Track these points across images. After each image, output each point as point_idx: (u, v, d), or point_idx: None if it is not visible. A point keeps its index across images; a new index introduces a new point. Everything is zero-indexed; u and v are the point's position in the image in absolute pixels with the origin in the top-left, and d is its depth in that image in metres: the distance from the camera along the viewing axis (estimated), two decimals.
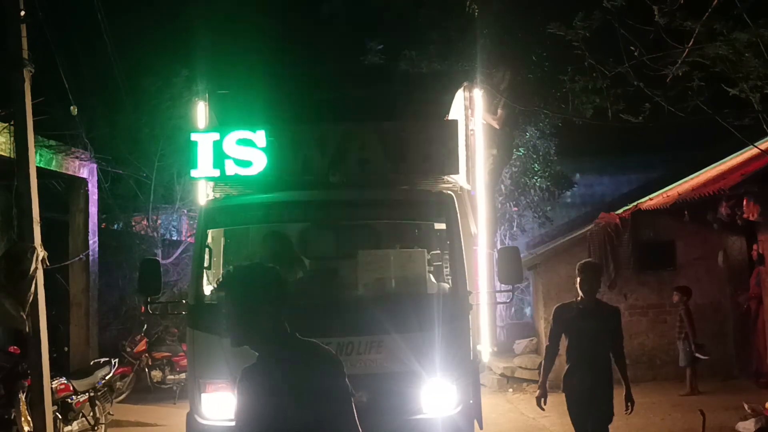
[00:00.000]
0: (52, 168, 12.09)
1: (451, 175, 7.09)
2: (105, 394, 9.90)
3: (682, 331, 12.28)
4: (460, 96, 7.75)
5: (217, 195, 7.63)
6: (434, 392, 6.25)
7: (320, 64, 13.97)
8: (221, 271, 7.60)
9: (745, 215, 9.79)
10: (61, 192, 13.21)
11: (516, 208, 20.91)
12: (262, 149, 6.81)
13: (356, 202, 7.01)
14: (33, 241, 7.72)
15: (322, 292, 6.91)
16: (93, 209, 13.50)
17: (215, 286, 7.12)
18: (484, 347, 8.70)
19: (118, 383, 11.93)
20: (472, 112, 8.05)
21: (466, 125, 7.69)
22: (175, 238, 17.93)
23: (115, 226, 17.07)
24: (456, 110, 7.65)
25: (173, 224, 18.21)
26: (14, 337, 9.36)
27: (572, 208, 25.12)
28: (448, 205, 6.92)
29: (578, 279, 6.64)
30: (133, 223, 17.55)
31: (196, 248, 7.06)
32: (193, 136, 6.99)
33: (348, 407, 3.13)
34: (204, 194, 7.83)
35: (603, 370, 6.62)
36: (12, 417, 7.95)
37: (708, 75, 7.72)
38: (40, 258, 7.71)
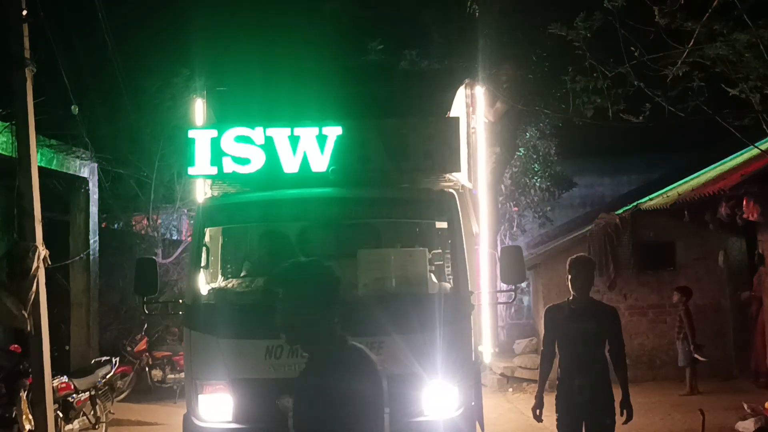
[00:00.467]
0: (52, 167, 12.11)
1: (453, 174, 7.01)
2: (106, 393, 9.93)
3: (682, 332, 12.31)
4: (461, 93, 7.68)
5: (215, 193, 7.55)
6: (435, 394, 6.16)
7: (320, 62, 13.89)
8: (219, 271, 7.58)
9: (745, 215, 9.80)
10: (62, 191, 13.22)
11: (516, 208, 20.95)
12: (261, 146, 6.72)
13: (356, 200, 6.90)
14: (35, 240, 7.73)
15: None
16: (93, 209, 13.52)
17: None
18: (486, 348, 8.59)
19: (119, 382, 11.93)
20: (473, 109, 7.96)
21: (468, 123, 7.61)
22: (175, 237, 17.92)
23: (116, 226, 17.08)
24: (457, 107, 7.58)
25: (173, 224, 18.20)
26: (15, 336, 9.38)
27: (572, 208, 25.15)
28: (450, 203, 6.83)
29: (569, 276, 6.13)
30: (134, 223, 17.55)
31: (193, 247, 6.99)
32: (191, 133, 6.90)
33: (381, 420, 3.01)
34: (202, 192, 7.74)
35: (601, 377, 6.00)
36: (13, 415, 7.97)
37: (708, 75, 7.72)
38: (41, 257, 7.72)
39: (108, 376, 9.98)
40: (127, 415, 11.42)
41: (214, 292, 6.94)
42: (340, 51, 16.09)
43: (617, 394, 6.07)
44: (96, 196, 13.63)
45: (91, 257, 13.28)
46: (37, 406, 7.92)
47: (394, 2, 17.22)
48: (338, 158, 6.70)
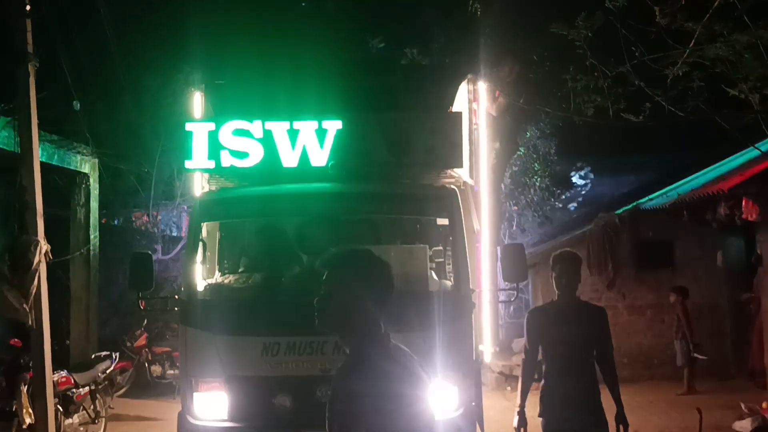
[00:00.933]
0: (53, 163, 12.14)
1: (454, 169, 6.88)
2: (105, 388, 9.96)
3: (680, 331, 12.35)
4: (463, 88, 7.54)
5: (213, 187, 7.41)
6: (435, 394, 6.08)
7: (320, 55, 13.79)
8: (216, 266, 7.48)
9: (744, 216, 9.83)
10: (63, 187, 13.24)
11: (516, 207, 20.98)
12: (259, 140, 6.57)
13: (356, 196, 6.73)
14: (36, 235, 7.75)
15: (319, 290, 6.52)
16: (94, 204, 13.55)
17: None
18: (486, 347, 8.46)
19: (118, 377, 11.97)
20: (476, 105, 7.83)
21: (470, 118, 7.47)
22: (175, 234, 17.96)
23: (116, 222, 17.12)
24: (460, 102, 7.44)
25: (173, 220, 18.24)
26: (15, 330, 9.40)
27: (572, 208, 25.14)
28: (451, 200, 6.67)
29: (553, 273, 5.50)
30: (134, 219, 17.60)
31: (189, 242, 6.86)
32: (188, 126, 6.74)
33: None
34: (200, 187, 7.59)
35: (590, 388, 5.40)
36: (14, 409, 7.99)
37: (708, 75, 7.73)
38: (43, 251, 7.74)
39: (108, 371, 10.00)
40: (127, 411, 11.46)
41: (210, 287, 6.83)
42: (340, 44, 16.05)
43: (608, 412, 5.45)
44: (96, 192, 13.66)
45: (92, 253, 13.31)
46: (38, 399, 7.94)
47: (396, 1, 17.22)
48: (338, 152, 6.54)
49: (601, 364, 5.49)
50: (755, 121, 7.55)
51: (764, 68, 6.94)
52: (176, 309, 6.93)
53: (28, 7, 7.53)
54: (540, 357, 5.56)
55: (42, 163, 9.52)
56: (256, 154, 6.59)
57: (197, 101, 7.56)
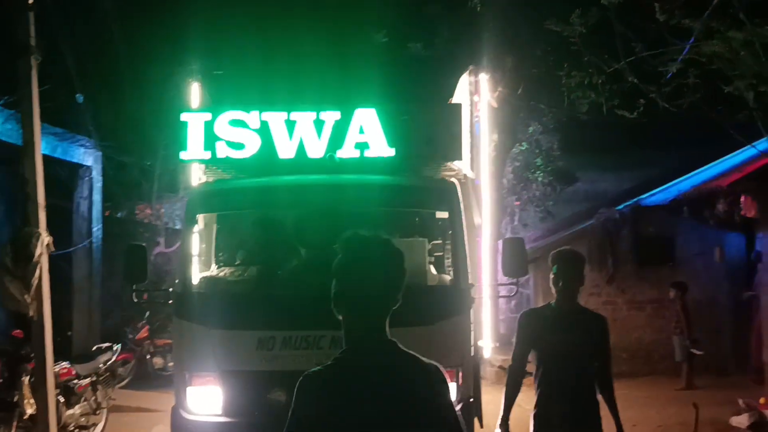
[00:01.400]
0: (56, 155, 12.19)
1: (455, 162, 6.78)
2: (107, 379, 10.01)
3: (678, 326, 12.38)
4: (464, 80, 7.44)
5: (210, 179, 7.32)
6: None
7: (320, 46, 13.71)
8: (213, 259, 7.41)
9: (742, 212, 9.85)
10: (66, 179, 13.30)
11: (518, 203, 20.99)
12: (256, 131, 6.46)
13: (354, 188, 6.60)
14: (38, 227, 7.79)
15: (316, 283, 6.11)
16: (97, 197, 13.62)
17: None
18: (486, 343, 8.42)
19: (120, 369, 12.01)
20: (477, 97, 7.72)
21: (471, 111, 7.37)
22: (178, 226, 18.00)
23: (119, 214, 17.18)
24: (460, 94, 7.34)
25: (177, 213, 18.29)
26: (17, 321, 9.46)
27: (575, 203, 25.12)
28: (451, 192, 6.57)
29: (551, 273, 4.92)
30: (137, 211, 17.65)
31: (184, 234, 6.76)
32: (183, 116, 6.65)
33: None
34: (197, 178, 7.51)
35: (588, 403, 4.86)
36: (15, 399, 8.04)
37: (707, 72, 7.72)
38: (45, 243, 7.77)
39: (109, 363, 10.05)
40: (128, 402, 11.51)
41: (205, 280, 6.75)
42: (340, 35, 15.99)
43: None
44: (99, 185, 13.72)
45: (94, 245, 13.38)
46: (39, 390, 7.98)
47: None
48: (336, 144, 6.46)
49: (598, 378, 4.91)
50: (750, 118, 7.56)
51: (759, 65, 6.93)
52: (170, 302, 6.79)
53: (30, 0, 7.54)
54: (531, 365, 5.06)
55: (45, 156, 9.58)
56: (252, 145, 6.50)
57: (195, 92, 7.47)
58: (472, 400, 6.41)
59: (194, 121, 6.58)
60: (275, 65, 7.81)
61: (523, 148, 19.65)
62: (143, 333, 13.83)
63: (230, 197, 6.88)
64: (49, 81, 9.31)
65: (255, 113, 6.51)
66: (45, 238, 7.77)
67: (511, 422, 5.04)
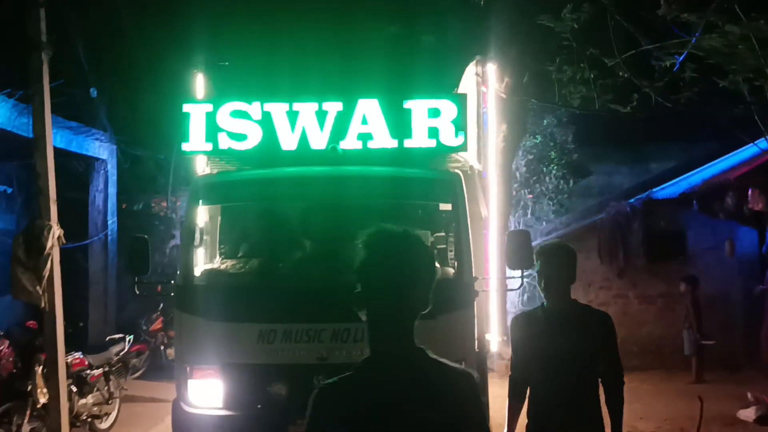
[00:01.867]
0: (72, 149, 12.36)
1: (460, 153, 6.71)
2: (119, 370, 10.19)
3: (687, 320, 12.37)
4: (471, 70, 7.35)
5: (213, 170, 7.29)
6: None
7: (323, 37, 13.67)
8: (217, 251, 7.40)
9: (750, 206, 9.83)
10: (82, 172, 13.47)
11: (531, 196, 20.94)
12: (258, 122, 6.42)
13: (356, 179, 6.53)
14: (50, 219, 7.93)
15: (319, 275, 6.32)
16: (112, 190, 13.79)
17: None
18: (493, 337, 8.29)
19: (134, 360, 12.19)
20: (485, 88, 7.61)
21: (478, 101, 7.25)
22: None
23: (135, 207, 17.34)
24: (467, 84, 7.24)
25: None
26: (33, 312, 9.63)
27: (589, 197, 25.03)
28: (455, 184, 6.50)
29: (537, 271, 4.42)
30: (153, 204, 17.81)
31: (185, 226, 6.70)
32: (185, 107, 6.62)
33: None
34: (200, 170, 7.48)
35: (590, 415, 4.32)
36: (29, 389, 8.21)
37: (702, 67, 7.68)
38: (56, 236, 7.91)
39: (122, 354, 10.23)
40: (141, 392, 11.68)
41: (207, 272, 6.72)
42: (343, 26, 15.95)
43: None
44: (114, 178, 13.89)
45: (109, 237, 13.56)
46: (52, 380, 8.14)
47: None
48: (338, 135, 6.41)
49: (604, 384, 4.37)
50: (748, 112, 7.54)
51: (756, 59, 6.90)
52: (172, 294, 6.72)
53: None
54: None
55: (60, 150, 9.74)
56: (254, 137, 6.48)
57: (200, 84, 7.46)
58: None
59: (196, 112, 6.57)
60: (279, 56, 7.76)
61: (537, 141, 19.58)
62: (157, 324, 13.98)
63: (233, 189, 6.86)
64: (64, 75, 9.45)
65: (257, 104, 6.50)
66: (56, 231, 7.91)
67: None
